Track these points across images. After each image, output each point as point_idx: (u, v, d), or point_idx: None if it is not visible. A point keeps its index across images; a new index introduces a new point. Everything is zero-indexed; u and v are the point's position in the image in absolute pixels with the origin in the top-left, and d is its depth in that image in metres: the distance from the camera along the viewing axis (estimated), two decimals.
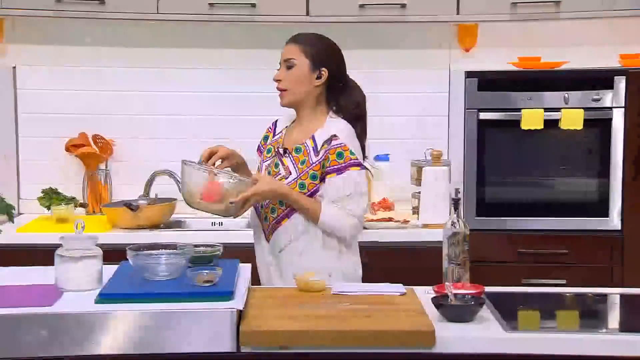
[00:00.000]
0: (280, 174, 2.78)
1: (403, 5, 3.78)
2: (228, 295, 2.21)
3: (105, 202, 4.00)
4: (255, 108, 4.00)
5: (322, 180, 2.72)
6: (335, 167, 2.70)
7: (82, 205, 3.99)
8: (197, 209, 2.70)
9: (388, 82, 4.11)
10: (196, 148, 4.00)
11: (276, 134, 2.93)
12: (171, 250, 2.40)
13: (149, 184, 3.98)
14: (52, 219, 3.81)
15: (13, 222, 2.69)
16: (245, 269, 2.55)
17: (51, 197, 3.89)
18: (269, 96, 2.94)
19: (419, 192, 3.79)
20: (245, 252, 2.80)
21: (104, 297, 2.19)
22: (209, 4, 3.73)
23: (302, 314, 2.23)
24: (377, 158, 4.01)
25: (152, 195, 3.97)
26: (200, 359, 2.12)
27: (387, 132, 4.10)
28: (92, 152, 4.03)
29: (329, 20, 3.73)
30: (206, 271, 2.29)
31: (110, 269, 2.42)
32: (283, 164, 2.79)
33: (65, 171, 4.07)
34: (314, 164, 2.73)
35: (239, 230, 3.77)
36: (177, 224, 3.94)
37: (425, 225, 3.68)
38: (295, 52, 2.79)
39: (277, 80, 2.81)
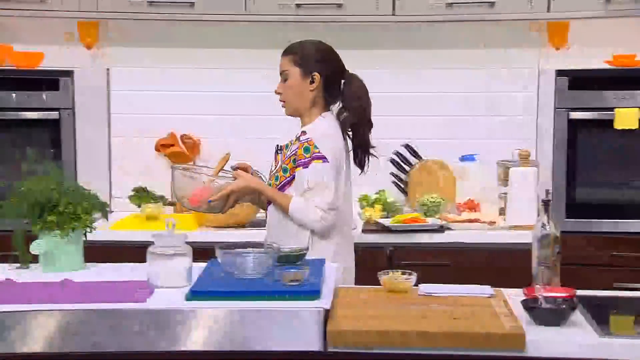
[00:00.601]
0: (272, 170, 3.03)
1: (492, 4, 3.72)
2: (315, 294, 2.22)
3: None
4: None
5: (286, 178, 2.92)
6: (302, 160, 2.86)
7: (171, 203, 4.07)
8: (188, 208, 3.00)
9: (475, 81, 4.06)
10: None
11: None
12: (259, 249, 2.42)
13: None
14: (142, 217, 3.90)
15: (107, 220, 2.75)
16: (331, 268, 2.56)
17: (141, 195, 3.98)
18: None
19: (506, 193, 3.73)
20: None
21: (194, 294, 2.22)
22: (296, 4, 3.76)
23: (388, 314, 2.22)
24: (464, 158, 3.97)
25: None
26: (286, 357, 2.13)
27: (473, 132, 4.05)
28: (180, 152, 4.11)
29: (416, 20, 3.71)
30: (293, 270, 2.30)
31: (197, 267, 2.46)
32: (276, 160, 3.03)
33: (154, 170, 4.16)
34: (286, 158, 2.93)
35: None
36: (262, 223, 3.96)
37: (512, 227, 3.62)
38: (286, 63, 2.95)
39: (278, 94, 2.98)
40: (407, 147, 4.00)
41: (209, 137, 4.15)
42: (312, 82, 2.92)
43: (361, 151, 2.99)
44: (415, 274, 2.47)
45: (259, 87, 4.08)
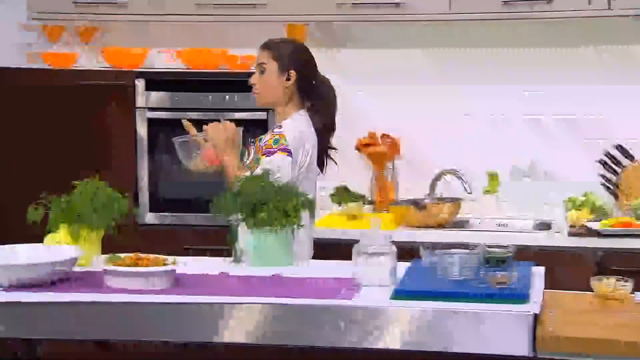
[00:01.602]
0: (246, 162, 3.12)
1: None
2: (524, 298, 2.16)
3: (392, 200, 4.09)
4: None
5: None
6: (269, 150, 2.99)
7: (370, 202, 4.12)
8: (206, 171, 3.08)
9: None
10: (484, 149, 4.03)
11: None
12: (465, 250, 2.40)
13: (435, 182, 4.02)
14: (343, 216, 3.97)
15: (314, 218, 2.83)
16: (539, 271, 2.49)
17: (342, 194, 4.05)
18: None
19: None
20: (538, 255, 2.73)
21: (399, 293, 2.23)
22: (503, 1, 3.67)
23: (601, 321, 2.13)
24: None
25: (437, 194, 4.00)
26: None
27: None
28: (380, 152, 4.14)
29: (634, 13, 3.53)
30: (501, 272, 2.26)
31: (399, 266, 2.46)
32: (248, 152, 3.14)
33: (355, 169, 4.21)
34: (259, 149, 3.04)
35: (528, 232, 3.69)
36: (463, 224, 3.93)
37: None
38: (265, 57, 3.08)
39: (252, 84, 3.10)
40: (619, 147, 3.81)
41: (409, 136, 4.16)
42: (288, 79, 3.06)
43: (325, 154, 3.18)
44: (631, 280, 2.35)
45: (455, 86, 4.07)
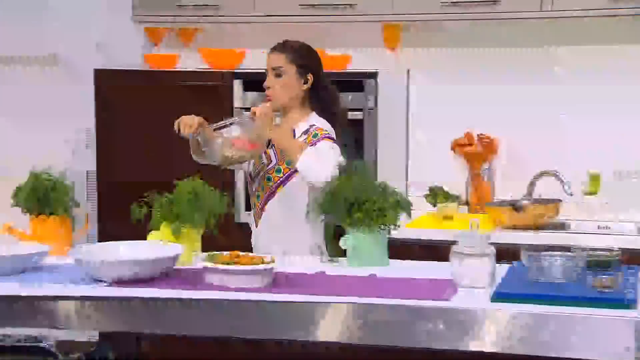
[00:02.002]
0: (263, 162, 3.09)
1: None
2: (630, 303, 2.09)
3: (488, 201, 4.03)
4: None
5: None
6: (311, 143, 2.95)
7: (466, 203, 4.07)
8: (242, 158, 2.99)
9: None
10: (585, 149, 3.93)
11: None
12: (567, 253, 2.34)
13: (532, 183, 3.94)
14: (437, 216, 3.94)
15: (410, 218, 2.81)
16: None
17: (437, 194, 4.02)
18: None
19: None
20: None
21: (499, 296, 2.19)
22: None
23: None
24: None
25: (535, 195, 3.92)
26: None
27: None
28: (477, 152, 4.09)
29: None
30: (606, 276, 2.19)
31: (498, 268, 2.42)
32: (266, 154, 3.08)
33: (450, 170, 4.18)
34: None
35: (633, 235, 3.57)
36: (561, 226, 3.84)
37: None
38: (282, 60, 3.05)
39: (267, 88, 3.06)
40: None
41: (506, 136, 4.10)
42: (305, 82, 3.06)
43: None
44: None
45: (555, 86, 3.98)
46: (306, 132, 3.05)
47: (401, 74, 4.23)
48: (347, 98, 3.88)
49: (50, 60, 4.50)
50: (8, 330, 2.21)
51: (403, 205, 2.64)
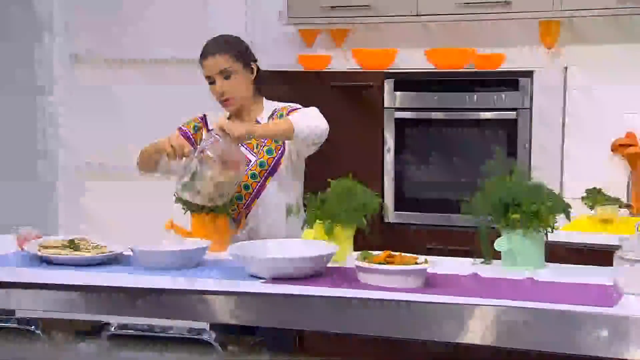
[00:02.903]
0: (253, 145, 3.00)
1: None
2: None
3: None
4: None
5: (278, 151, 2.97)
6: (291, 110, 2.96)
7: (627, 206, 3.90)
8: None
9: None
10: None
11: (211, 129, 2.99)
12: None
13: None
14: (595, 219, 3.79)
15: (569, 220, 2.71)
16: None
17: (595, 197, 3.87)
18: None
19: None
20: None
21: None
22: None
23: None
24: None
25: None
26: None
27: None
28: (639, 153, 3.92)
29: None
30: None
31: None
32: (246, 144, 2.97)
33: (609, 171, 4.02)
34: (265, 140, 2.96)
35: None
36: None
37: None
38: (226, 60, 2.96)
39: (221, 94, 2.96)
40: None
41: None
42: (252, 72, 3.03)
43: None
44: None
45: None
46: (271, 117, 3.02)
47: (558, 72, 4.10)
48: (501, 97, 3.80)
49: None
50: (171, 323, 2.29)
51: (562, 207, 2.55)
